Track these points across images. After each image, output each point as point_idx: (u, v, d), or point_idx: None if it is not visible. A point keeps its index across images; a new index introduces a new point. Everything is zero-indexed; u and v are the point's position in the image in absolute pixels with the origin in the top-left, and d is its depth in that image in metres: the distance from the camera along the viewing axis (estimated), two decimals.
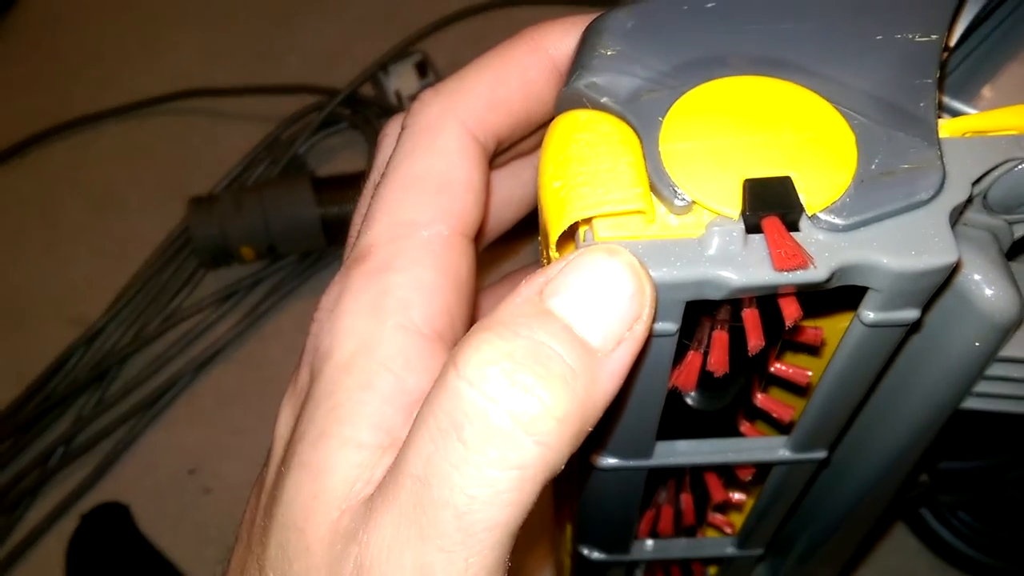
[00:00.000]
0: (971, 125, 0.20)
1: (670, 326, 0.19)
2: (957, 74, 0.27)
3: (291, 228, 0.60)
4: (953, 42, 0.26)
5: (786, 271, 0.17)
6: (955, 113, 0.24)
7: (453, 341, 0.20)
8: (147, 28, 0.79)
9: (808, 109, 0.19)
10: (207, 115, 0.72)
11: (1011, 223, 0.21)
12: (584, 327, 0.16)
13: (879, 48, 0.20)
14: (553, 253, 0.20)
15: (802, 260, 0.17)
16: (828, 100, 0.19)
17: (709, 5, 0.21)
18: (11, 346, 0.62)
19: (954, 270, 0.19)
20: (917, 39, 0.20)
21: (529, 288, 0.17)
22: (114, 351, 0.60)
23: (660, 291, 0.18)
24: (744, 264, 0.18)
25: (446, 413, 0.16)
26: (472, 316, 0.22)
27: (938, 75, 0.20)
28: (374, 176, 0.25)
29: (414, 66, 0.66)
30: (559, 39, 0.23)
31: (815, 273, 0.17)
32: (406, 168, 0.21)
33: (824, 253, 0.18)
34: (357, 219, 0.24)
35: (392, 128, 0.25)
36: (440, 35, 0.71)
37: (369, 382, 0.19)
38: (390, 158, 0.21)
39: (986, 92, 0.26)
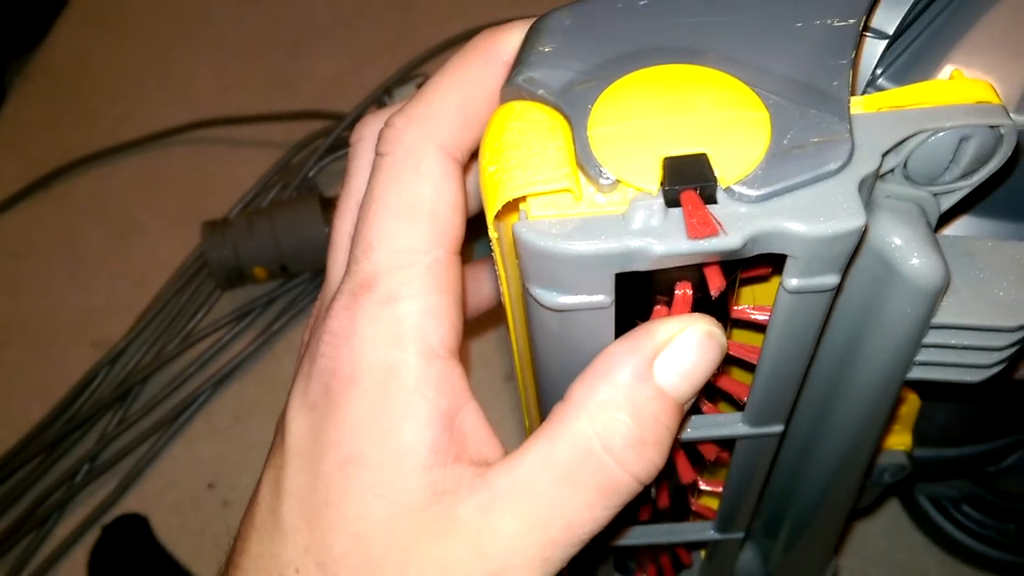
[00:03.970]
0: (886, 101, 0.21)
1: (603, 298, 0.20)
2: (900, 62, 0.28)
3: (301, 247, 0.62)
4: (892, 31, 0.27)
5: (699, 239, 0.18)
6: None
7: (459, 349, 0.23)
8: (164, 63, 0.82)
9: (727, 92, 0.20)
10: (222, 143, 0.75)
11: (936, 195, 0.22)
12: (682, 396, 0.21)
13: (799, 34, 0.22)
14: (492, 233, 0.21)
15: (713, 229, 0.18)
16: (746, 83, 0.21)
17: (642, 3, 0.22)
18: (38, 369, 0.65)
19: (867, 236, 0.20)
20: (835, 24, 0.22)
21: (640, 356, 0.21)
22: (135, 371, 0.63)
23: (589, 264, 0.19)
24: (664, 235, 0.19)
25: (591, 475, 0.20)
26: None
27: (853, 55, 0.21)
28: (352, 189, 0.26)
29: (416, 88, 0.68)
30: (509, 43, 0.24)
31: (729, 240, 0.19)
32: (395, 196, 0.22)
33: (739, 222, 0.19)
34: (340, 237, 0.26)
35: (366, 132, 0.26)
36: (441, 58, 0.73)
37: (411, 410, 0.21)
38: (374, 183, 0.22)
39: (927, 77, 0.27)
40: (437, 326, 0.22)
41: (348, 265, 0.23)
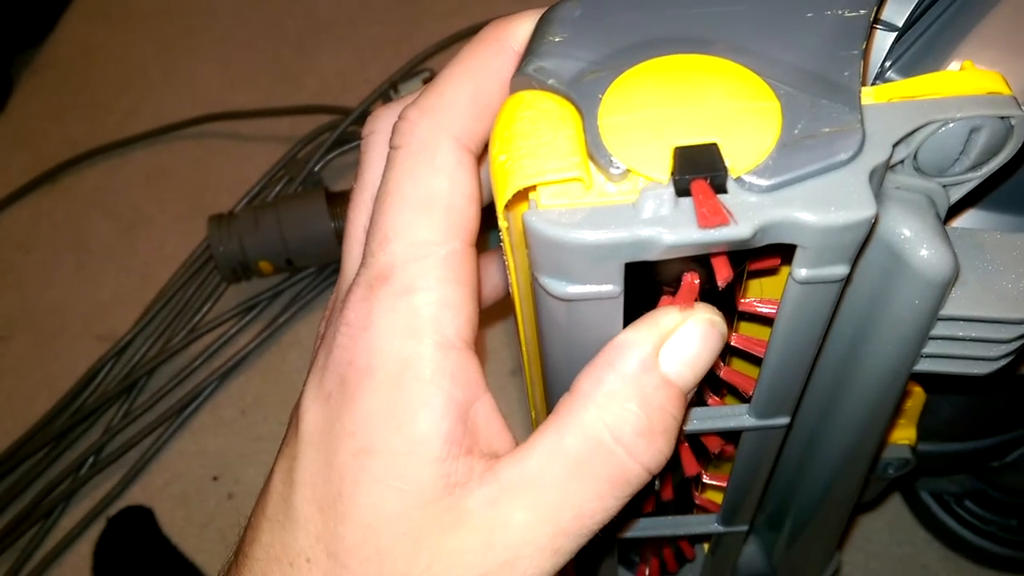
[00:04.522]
0: (897, 91, 0.21)
1: (612, 288, 0.20)
2: (909, 54, 0.28)
3: (306, 242, 0.62)
4: (901, 23, 0.27)
5: (710, 228, 0.19)
6: None
7: (475, 341, 0.23)
8: (170, 58, 0.82)
9: (737, 82, 0.20)
10: (228, 138, 0.75)
11: (946, 186, 0.22)
12: (686, 384, 0.21)
13: (809, 24, 0.22)
14: (502, 222, 0.21)
15: (724, 218, 0.18)
16: (757, 73, 0.21)
17: None
18: (44, 361, 0.65)
19: (877, 227, 0.20)
20: (846, 14, 0.22)
21: (646, 346, 0.21)
22: (141, 364, 0.63)
23: (599, 253, 0.19)
24: (674, 224, 0.19)
25: (601, 465, 0.21)
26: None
27: (864, 46, 0.21)
28: (365, 182, 0.26)
29: (423, 83, 0.69)
30: (519, 33, 0.24)
31: (739, 230, 0.19)
32: (411, 188, 0.22)
33: (749, 212, 0.19)
34: (355, 230, 0.26)
35: (378, 125, 0.26)
36: (446, 54, 0.73)
37: (426, 401, 0.21)
38: (389, 176, 0.22)
39: (936, 70, 0.27)
40: (453, 317, 0.22)
41: (364, 257, 0.23)
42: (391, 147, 0.23)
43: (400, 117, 0.23)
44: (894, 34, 0.27)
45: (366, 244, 0.23)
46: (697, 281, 0.21)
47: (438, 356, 0.21)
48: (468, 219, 0.22)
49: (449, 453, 0.21)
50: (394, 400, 0.21)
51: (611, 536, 0.32)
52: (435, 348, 0.21)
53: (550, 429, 0.21)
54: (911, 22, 0.27)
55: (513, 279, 0.24)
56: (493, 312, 0.32)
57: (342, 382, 0.22)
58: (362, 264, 0.22)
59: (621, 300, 0.21)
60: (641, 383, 0.21)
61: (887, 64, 0.27)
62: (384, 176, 0.23)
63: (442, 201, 0.22)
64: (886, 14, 0.26)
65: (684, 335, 0.21)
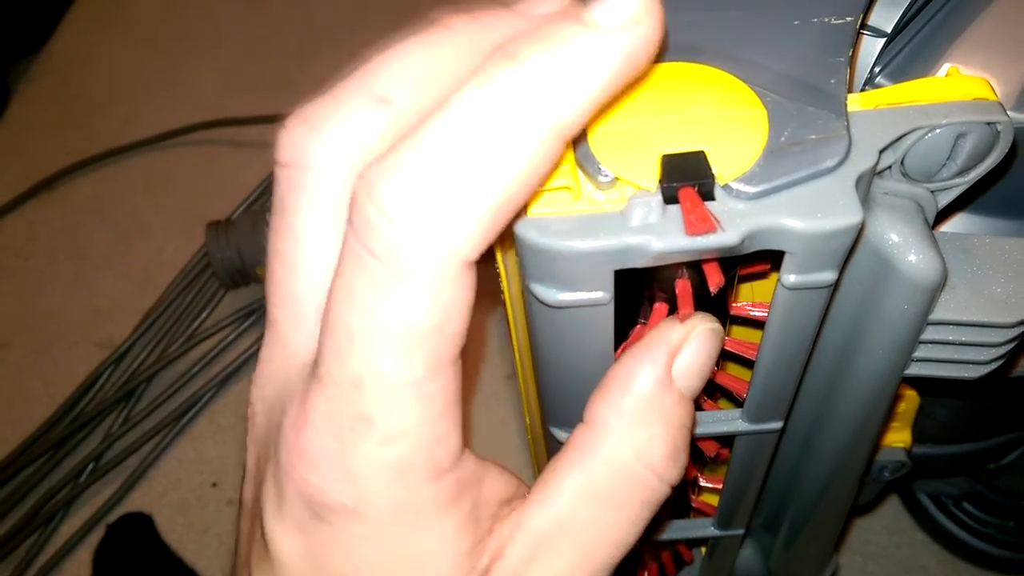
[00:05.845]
0: (884, 98, 0.21)
1: (602, 295, 0.20)
2: (898, 60, 0.28)
3: None
4: (890, 29, 0.27)
5: (697, 236, 0.19)
6: None
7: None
8: (168, 64, 0.82)
9: (724, 89, 0.21)
10: (226, 144, 0.75)
11: (933, 191, 0.22)
12: (694, 395, 0.21)
13: (796, 31, 0.22)
14: None
15: (711, 225, 0.19)
16: (744, 81, 0.21)
17: None
18: (42, 369, 0.65)
19: (865, 233, 0.20)
20: (833, 22, 0.22)
21: (659, 365, 0.21)
22: (140, 371, 0.63)
23: (589, 261, 0.20)
24: (662, 232, 0.19)
25: (635, 493, 0.21)
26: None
27: (850, 53, 0.21)
28: (297, 232, 0.20)
29: None
30: None
31: (726, 237, 0.19)
32: (387, 319, 0.17)
33: (736, 219, 0.19)
34: (286, 292, 0.20)
35: (311, 157, 0.20)
36: None
37: (439, 534, 0.20)
38: (357, 287, 0.17)
39: (925, 75, 0.28)
40: (447, 449, 0.19)
41: (323, 375, 0.18)
42: (367, 251, 0.17)
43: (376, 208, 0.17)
44: (883, 40, 0.27)
45: (324, 357, 0.18)
46: (691, 290, 0.22)
47: (435, 489, 0.19)
48: (460, 338, 0.18)
49: (475, 557, 0.20)
50: (402, 544, 0.19)
51: None
52: (430, 482, 0.19)
53: (574, 466, 0.20)
54: (900, 27, 0.27)
55: (504, 287, 0.24)
56: (487, 316, 0.32)
57: (317, 518, 0.19)
58: (322, 384, 0.18)
59: (612, 307, 0.21)
60: (661, 404, 0.20)
61: (876, 70, 0.28)
62: (344, 278, 0.17)
63: (430, 334, 0.17)
64: (874, 20, 0.26)
65: (692, 347, 0.21)
